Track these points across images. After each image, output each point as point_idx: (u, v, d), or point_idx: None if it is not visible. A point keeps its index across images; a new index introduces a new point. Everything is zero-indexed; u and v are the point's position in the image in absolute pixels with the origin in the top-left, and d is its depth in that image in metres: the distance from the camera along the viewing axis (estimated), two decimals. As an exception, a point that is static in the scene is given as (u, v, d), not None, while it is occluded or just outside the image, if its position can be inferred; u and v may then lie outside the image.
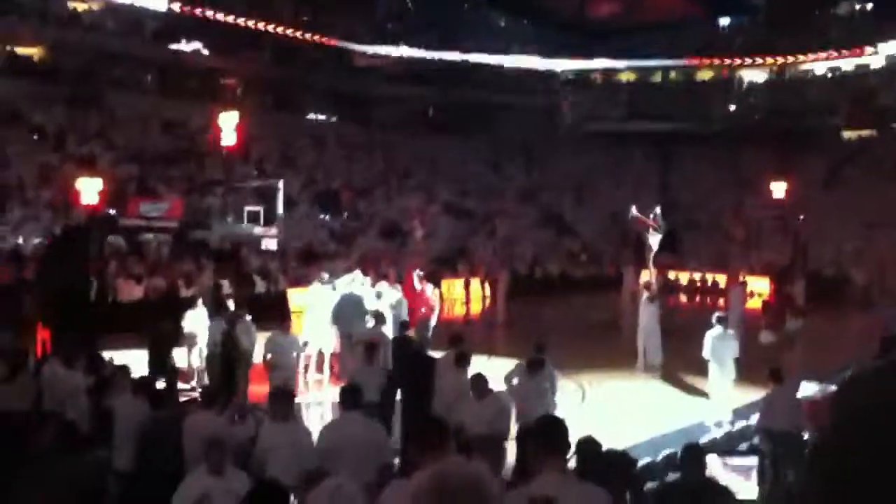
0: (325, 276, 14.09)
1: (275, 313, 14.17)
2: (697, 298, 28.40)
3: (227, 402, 7.67)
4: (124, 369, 8.96)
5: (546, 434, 3.79)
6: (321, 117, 36.61)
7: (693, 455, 7.16)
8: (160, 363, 10.90)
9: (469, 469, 1.56)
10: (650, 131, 38.95)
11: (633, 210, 15.89)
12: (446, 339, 10.05)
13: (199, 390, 10.93)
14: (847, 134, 37.44)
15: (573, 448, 4.86)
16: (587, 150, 39.73)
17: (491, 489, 1.49)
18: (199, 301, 12.96)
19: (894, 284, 24.97)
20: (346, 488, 5.07)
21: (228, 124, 22.88)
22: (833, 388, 11.66)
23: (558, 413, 7.25)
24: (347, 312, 12.38)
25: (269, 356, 10.29)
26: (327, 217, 28.09)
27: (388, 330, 11.51)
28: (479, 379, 7.83)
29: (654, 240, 15.36)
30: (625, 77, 43.05)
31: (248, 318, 11.33)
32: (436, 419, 6.23)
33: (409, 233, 28.21)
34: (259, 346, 10.97)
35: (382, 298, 13.02)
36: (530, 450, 4.03)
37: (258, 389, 10.46)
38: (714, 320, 11.64)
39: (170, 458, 6.49)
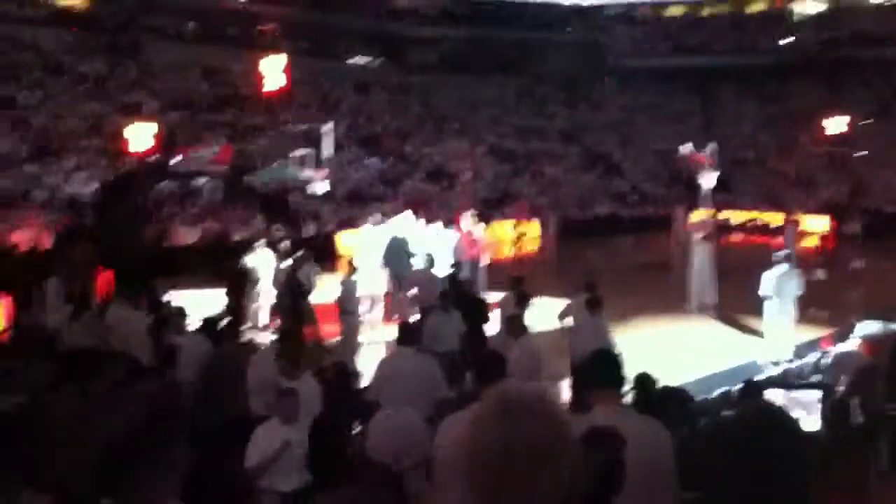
0: (378, 216, 14.17)
1: (324, 256, 14.37)
2: (750, 238, 27.90)
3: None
4: (181, 310, 9.24)
5: (602, 367, 3.77)
6: (361, 62, 36.34)
7: (751, 390, 7.12)
8: (234, 304, 11.15)
9: (529, 388, 1.55)
10: (696, 66, 37.89)
11: (687, 147, 15.51)
12: (505, 280, 10.14)
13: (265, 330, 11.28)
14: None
15: (628, 383, 4.84)
16: (631, 88, 38.87)
17: (553, 407, 1.47)
18: (258, 244, 13.14)
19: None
20: (399, 416, 5.16)
21: (272, 69, 22.86)
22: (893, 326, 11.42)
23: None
24: (397, 254, 12.48)
25: (340, 297, 10.46)
26: (373, 160, 28.10)
27: (439, 271, 11.56)
28: (513, 320, 7.92)
29: (709, 178, 14.98)
30: (672, 11, 41.80)
31: (312, 259, 11.64)
32: (494, 352, 6.30)
33: (455, 175, 28.12)
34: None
35: (437, 240, 13.11)
36: (586, 383, 4.02)
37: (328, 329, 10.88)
38: (777, 258, 11.45)
39: (231, 394, 6.69)
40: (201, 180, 21.24)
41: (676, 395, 7.61)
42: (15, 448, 2.96)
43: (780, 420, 1.50)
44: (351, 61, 35.92)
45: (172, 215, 19.45)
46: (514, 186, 29.34)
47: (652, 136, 35.99)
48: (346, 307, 10.43)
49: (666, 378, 9.68)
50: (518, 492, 1.42)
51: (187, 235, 18.78)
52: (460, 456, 1.52)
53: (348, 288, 10.53)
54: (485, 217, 19.73)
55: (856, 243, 17.60)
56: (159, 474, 1.61)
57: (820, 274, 16.08)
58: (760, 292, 11.38)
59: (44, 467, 2.72)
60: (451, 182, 27.77)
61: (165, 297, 10.96)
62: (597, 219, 28.13)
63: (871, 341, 10.64)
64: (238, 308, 11.02)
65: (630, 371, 4.63)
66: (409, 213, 14.51)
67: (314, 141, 22.52)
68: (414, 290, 11.18)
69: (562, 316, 8.98)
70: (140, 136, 17.02)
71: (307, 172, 19.15)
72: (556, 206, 27.37)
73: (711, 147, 15.03)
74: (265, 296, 12.19)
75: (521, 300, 8.84)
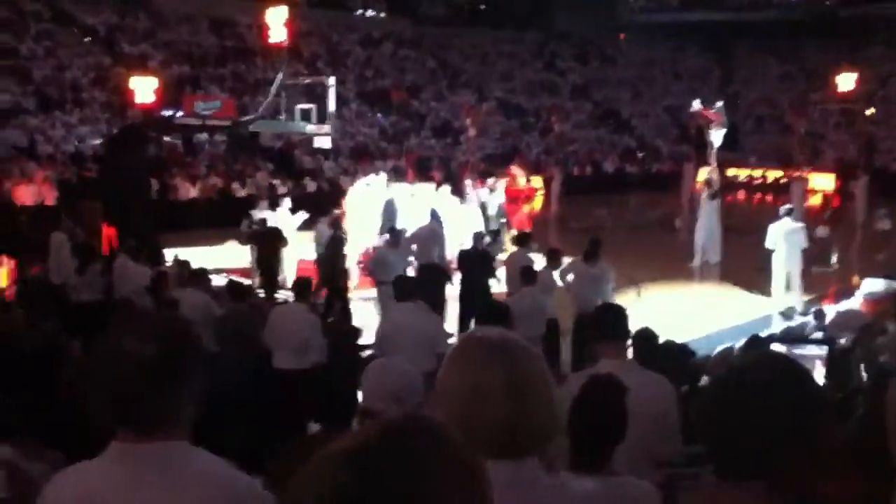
0: (381, 175, 14.11)
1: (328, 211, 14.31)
2: (757, 195, 27.72)
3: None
4: (185, 263, 9.32)
5: (604, 320, 3.79)
6: (369, 14, 35.85)
7: (754, 346, 7.13)
8: (267, 265, 11.17)
9: (492, 331, 1.54)
10: (709, 21, 37.23)
11: (697, 104, 15.35)
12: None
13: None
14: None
15: (631, 338, 4.85)
16: (643, 43, 38.32)
17: (516, 346, 1.45)
18: (282, 203, 13.02)
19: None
20: (391, 363, 5.20)
21: (277, 20, 22.53)
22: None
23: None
24: (392, 217, 12.41)
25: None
26: (379, 116, 27.88)
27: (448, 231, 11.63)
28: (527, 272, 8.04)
29: (717, 135, 14.85)
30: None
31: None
32: (497, 302, 6.34)
33: (462, 131, 27.92)
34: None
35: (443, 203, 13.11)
36: (589, 337, 4.04)
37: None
38: (782, 212, 11.43)
39: (243, 346, 6.92)
40: (205, 134, 21.14)
41: (678, 351, 7.66)
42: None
43: (792, 366, 1.47)
44: (357, 13, 35.44)
45: (176, 170, 19.39)
46: (521, 143, 29.14)
47: (666, 92, 35.62)
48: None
49: (669, 336, 9.73)
50: (487, 426, 1.39)
51: (189, 190, 18.75)
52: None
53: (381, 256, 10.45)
54: (490, 173, 19.61)
55: (874, 202, 17.40)
56: (181, 406, 1.61)
57: (823, 231, 15.98)
58: (766, 244, 11.42)
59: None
60: (457, 138, 27.60)
61: (172, 252, 11.04)
62: (604, 175, 27.98)
63: (874, 299, 10.66)
64: (273, 270, 11.05)
65: (634, 327, 4.64)
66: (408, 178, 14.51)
67: (319, 95, 22.29)
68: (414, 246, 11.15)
69: (563, 273, 8.98)
70: (145, 88, 16.85)
71: (311, 127, 18.97)
72: (563, 162, 27.19)
73: (719, 105, 14.88)
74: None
75: (552, 258, 9.04)
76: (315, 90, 23.86)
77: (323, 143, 20.99)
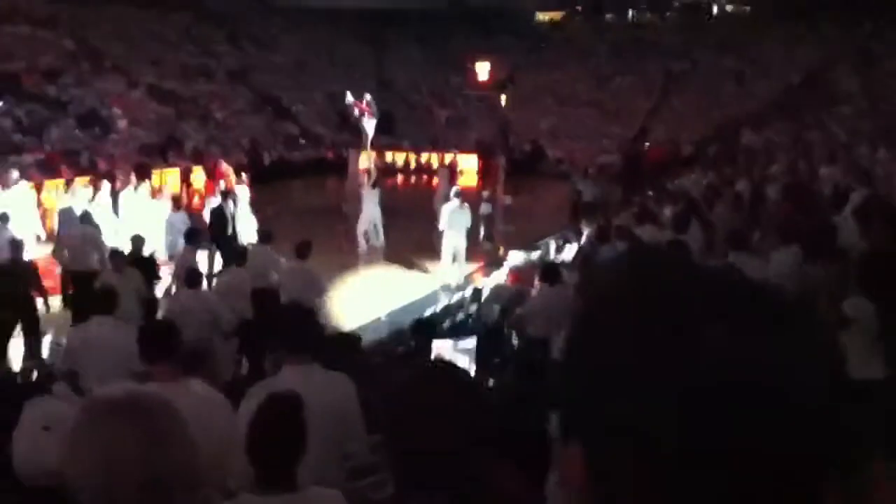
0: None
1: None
2: (412, 179, 29.57)
3: None
4: None
5: (294, 327, 3.82)
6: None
7: (421, 327, 7.70)
8: None
9: (118, 389, 1.58)
10: (364, 9, 38.66)
11: (349, 96, 15.99)
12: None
13: None
14: (540, 16, 40.08)
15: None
16: (299, 29, 38.60)
17: (147, 403, 1.46)
18: None
19: (582, 158, 27.88)
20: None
21: None
22: (534, 256, 13.03)
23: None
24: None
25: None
26: (8, 105, 24.61)
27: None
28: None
29: (370, 125, 15.63)
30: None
31: None
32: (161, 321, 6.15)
33: (112, 120, 25.89)
34: None
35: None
36: (280, 348, 4.04)
37: None
38: (452, 194, 12.45)
39: None
40: None
41: (347, 340, 8.02)
42: None
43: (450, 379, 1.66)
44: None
45: None
46: (179, 131, 27.77)
47: (324, 79, 36.26)
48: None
49: (343, 323, 10.10)
50: (128, 487, 1.34)
51: None
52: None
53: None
54: (146, 166, 18.53)
55: (503, 180, 19.53)
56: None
57: (485, 208, 17.71)
58: (439, 226, 12.47)
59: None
60: (107, 128, 25.51)
61: None
62: (269, 163, 27.76)
63: (516, 271, 12.10)
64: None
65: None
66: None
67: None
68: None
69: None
70: None
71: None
72: (226, 151, 26.51)
73: (368, 97, 15.70)
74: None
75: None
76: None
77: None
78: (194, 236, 10.14)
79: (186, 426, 1.44)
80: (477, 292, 10.56)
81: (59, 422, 1.93)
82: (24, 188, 13.67)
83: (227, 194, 13.10)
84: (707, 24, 36.51)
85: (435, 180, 22.25)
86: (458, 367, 1.90)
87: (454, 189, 13.01)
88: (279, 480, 2.54)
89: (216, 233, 11.82)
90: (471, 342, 4.98)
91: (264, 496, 2.51)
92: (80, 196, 13.00)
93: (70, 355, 5.66)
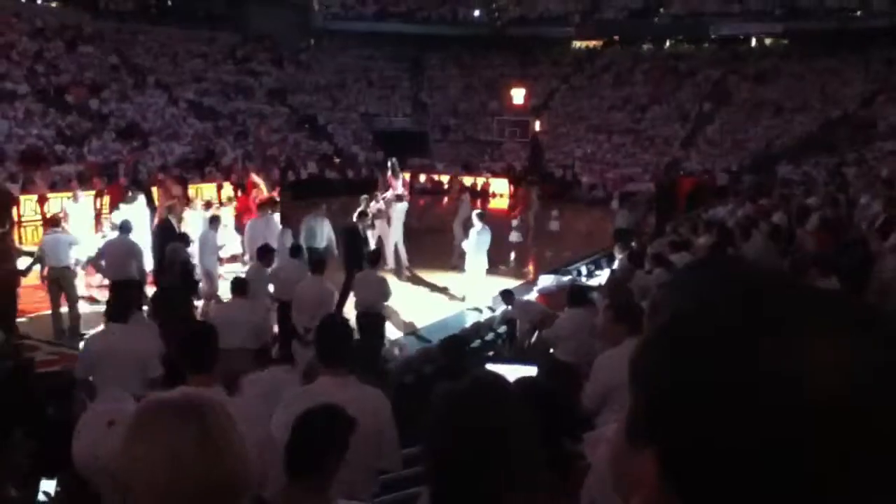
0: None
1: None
2: (445, 200, 29.59)
3: None
4: None
5: (326, 339, 3.84)
6: (38, 1, 32.31)
7: (452, 344, 7.68)
8: None
9: (175, 392, 1.61)
10: (401, 33, 39.10)
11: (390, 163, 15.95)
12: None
13: None
14: (577, 44, 40.20)
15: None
16: (339, 50, 39.13)
17: (204, 406, 1.48)
18: None
19: (616, 185, 27.81)
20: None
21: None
22: (566, 280, 12.99)
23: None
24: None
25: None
26: (54, 116, 25.25)
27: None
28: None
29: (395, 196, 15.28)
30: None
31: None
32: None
33: (150, 134, 26.41)
34: None
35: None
36: (318, 358, 4.05)
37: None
38: (475, 217, 12.46)
39: None
40: None
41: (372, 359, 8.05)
42: None
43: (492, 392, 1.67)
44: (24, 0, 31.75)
45: None
46: (217, 146, 28.21)
47: (360, 100, 36.69)
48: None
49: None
50: (186, 492, 1.35)
51: None
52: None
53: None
54: (183, 180, 18.83)
55: (538, 205, 19.53)
56: None
57: (515, 236, 17.79)
58: (463, 246, 12.54)
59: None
60: (146, 141, 26.01)
61: None
62: (307, 180, 27.98)
63: (546, 294, 12.07)
64: None
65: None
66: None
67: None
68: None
69: None
70: None
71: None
72: (264, 166, 26.83)
73: (392, 161, 15.67)
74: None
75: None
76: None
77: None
78: (299, 251, 10.29)
79: (237, 428, 1.45)
80: (504, 312, 10.53)
81: (124, 418, 1.96)
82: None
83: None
84: (744, 55, 36.32)
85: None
86: (502, 379, 1.91)
87: (476, 212, 13.00)
88: (311, 491, 2.55)
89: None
90: (531, 370, 4.91)
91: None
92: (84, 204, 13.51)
93: (87, 362, 5.50)
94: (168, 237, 11.28)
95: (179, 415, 1.40)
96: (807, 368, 0.56)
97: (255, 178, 15.94)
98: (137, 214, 12.25)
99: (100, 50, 30.24)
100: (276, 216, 13.64)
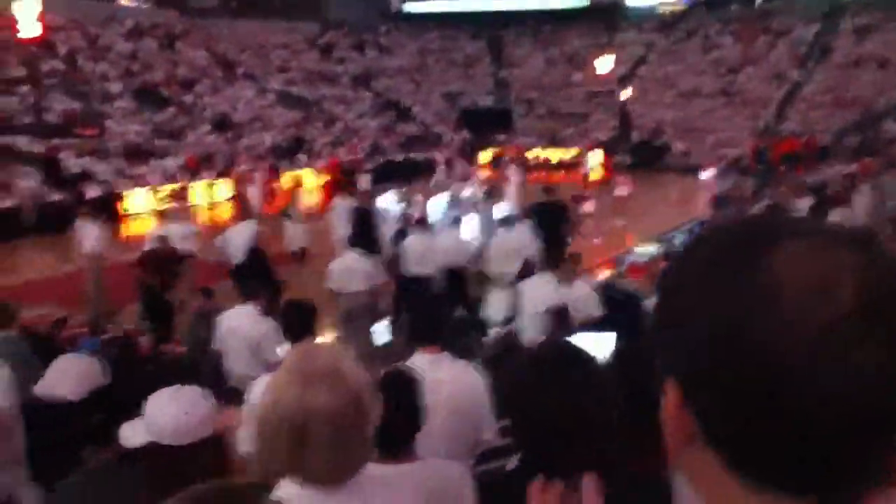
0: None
1: (109, 217, 13.41)
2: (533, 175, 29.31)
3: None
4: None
5: (420, 320, 3.87)
6: (132, 4, 33.62)
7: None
8: None
9: (326, 352, 1.78)
10: (478, 10, 38.88)
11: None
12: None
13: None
14: (662, 8, 39.02)
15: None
16: (418, 32, 39.22)
17: (347, 373, 1.64)
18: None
19: (710, 151, 26.92)
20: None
21: (27, 13, 20.63)
22: (659, 250, 12.67)
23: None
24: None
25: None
26: (151, 112, 26.29)
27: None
28: None
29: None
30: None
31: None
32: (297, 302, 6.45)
33: (242, 125, 27.15)
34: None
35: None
36: (404, 334, 4.11)
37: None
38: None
39: None
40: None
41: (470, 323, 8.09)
42: None
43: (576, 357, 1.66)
44: (120, 2, 33.11)
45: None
46: (307, 134, 28.79)
47: (442, 80, 36.75)
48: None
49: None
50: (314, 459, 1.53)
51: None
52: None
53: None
54: (275, 167, 19.28)
55: (626, 173, 19.10)
56: None
57: (587, 207, 17.31)
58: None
59: None
60: (239, 132, 26.76)
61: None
62: (393, 163, 28.21)
63: (638, 266, 11.79)
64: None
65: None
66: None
67: (82, 92, 20.71)
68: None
69: None
70: None
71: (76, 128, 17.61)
72: (352, 151, 27.26)
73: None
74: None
75: None
76: (77, 87, 22.14)
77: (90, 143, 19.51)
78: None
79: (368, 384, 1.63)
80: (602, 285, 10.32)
81: (195, 408, 2.07)
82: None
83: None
84: (841, 8, 34.41)
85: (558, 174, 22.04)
86: (580, 348, 1.88)
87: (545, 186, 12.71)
88: (396, 451, 2.58)
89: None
90: (611, 336, 4.80)
91: (385, 464, 2.56)
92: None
93: (219, 339, 6.09)
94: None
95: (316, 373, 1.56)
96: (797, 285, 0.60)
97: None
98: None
99: (190, 46, 31.25)
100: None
